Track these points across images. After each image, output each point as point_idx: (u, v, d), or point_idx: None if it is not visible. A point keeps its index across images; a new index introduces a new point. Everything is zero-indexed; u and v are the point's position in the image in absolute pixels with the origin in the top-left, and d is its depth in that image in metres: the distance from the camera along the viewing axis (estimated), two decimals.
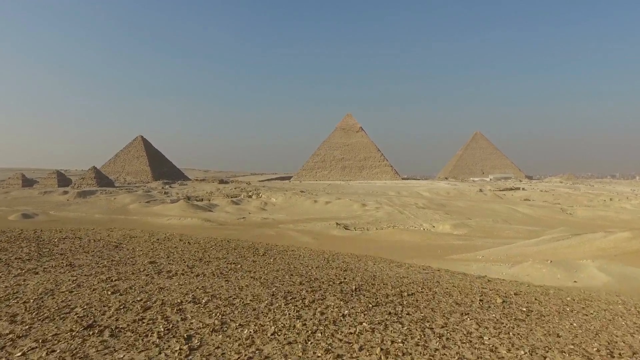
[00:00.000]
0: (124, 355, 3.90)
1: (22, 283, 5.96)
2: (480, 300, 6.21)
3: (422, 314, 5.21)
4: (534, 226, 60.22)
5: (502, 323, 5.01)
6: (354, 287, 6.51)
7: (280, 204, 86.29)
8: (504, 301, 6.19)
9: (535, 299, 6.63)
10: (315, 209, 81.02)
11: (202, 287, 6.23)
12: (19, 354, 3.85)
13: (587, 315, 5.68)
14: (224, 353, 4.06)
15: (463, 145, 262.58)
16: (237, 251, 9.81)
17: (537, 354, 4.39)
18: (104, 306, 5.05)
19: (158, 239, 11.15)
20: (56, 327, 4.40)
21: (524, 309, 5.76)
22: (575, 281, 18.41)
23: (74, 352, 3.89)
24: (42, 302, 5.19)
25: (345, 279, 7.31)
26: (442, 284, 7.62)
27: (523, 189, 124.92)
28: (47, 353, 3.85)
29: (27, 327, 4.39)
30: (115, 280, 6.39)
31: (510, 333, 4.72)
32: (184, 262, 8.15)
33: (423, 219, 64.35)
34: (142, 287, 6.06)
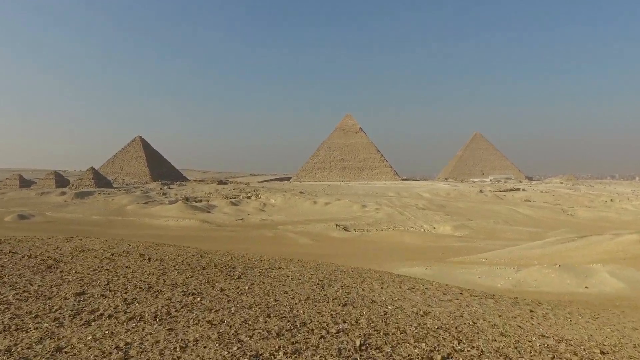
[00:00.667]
0: None
1: None
2: None
3: None
4: (535, 227, 58.38)
5: None
6: (358, 343, 4.31)
7: (279, 205, 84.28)
8: None
9: None
10: (315, 210, 78.96)
11: (125, 344, 4.03)
12: None
13: None
14: None
15: (463, 146, 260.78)
16: (206, 272, 7.57)
17: None
18: None
19: (113, 255, 8.94)
20: None
21: None
22: (586, 287, 16.54)
23: None
24: None
25: (345, 322, 5.10)
26: (481, 326, 5.43)
27: (523, 189, 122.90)
28: None
29: None
30: None
31: None
32: (125, 292, 5.95)
33: (423, 220, 62.53)
34: (27, 348, 3.86)
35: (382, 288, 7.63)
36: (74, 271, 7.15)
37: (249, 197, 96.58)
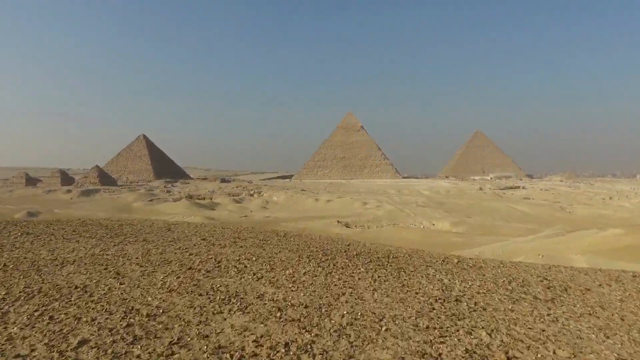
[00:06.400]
0: None
1: None
2: None
3: None
4: (533, 224, 60.01)
5: None
6: None
7: (282, 203, 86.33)
8: None
9: None
10: (317, 207, 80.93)
11: None
12: None
13: None
14: None
15: (464, 144, 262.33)
16: None
17: None
18: None
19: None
20: None
21: None
22: None
23: None
24: None
25: None
26: None
27: (523, 187, 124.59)
28: None
29: None
30: None
31: None
32: None
33: (423, 217, 64.32)
34: None
35: None
36: None
37: (251, 195, 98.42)
